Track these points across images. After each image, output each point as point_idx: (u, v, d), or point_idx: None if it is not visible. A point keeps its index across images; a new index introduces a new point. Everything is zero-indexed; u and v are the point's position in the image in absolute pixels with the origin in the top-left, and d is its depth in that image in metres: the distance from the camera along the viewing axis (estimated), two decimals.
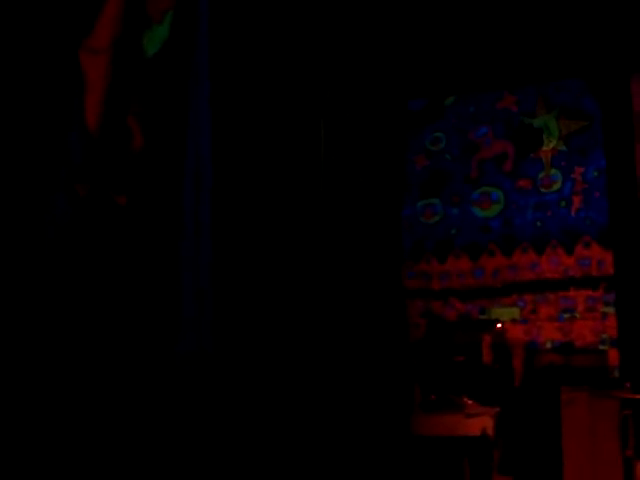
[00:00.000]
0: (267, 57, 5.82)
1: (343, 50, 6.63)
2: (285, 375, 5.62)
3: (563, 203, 8.07)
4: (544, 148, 8.17)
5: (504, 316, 7.98)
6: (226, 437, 5.07)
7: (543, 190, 8.14)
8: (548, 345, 7.90)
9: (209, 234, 5.11)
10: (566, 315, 7.94)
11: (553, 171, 8.13)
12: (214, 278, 5.14)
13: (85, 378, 4.36)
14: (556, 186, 8.11)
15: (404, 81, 7.74)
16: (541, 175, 8.16)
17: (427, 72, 7.90)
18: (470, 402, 6.54)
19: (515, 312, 8.06)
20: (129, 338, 4.58)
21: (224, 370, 5.15)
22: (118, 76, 4.84)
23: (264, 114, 5.78)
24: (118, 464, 4.36)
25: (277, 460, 5.39)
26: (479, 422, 6.32)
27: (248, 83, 5.65)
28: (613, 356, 7.66)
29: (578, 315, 7.90)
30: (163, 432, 4.60)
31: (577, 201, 8.03)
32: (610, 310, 7.81)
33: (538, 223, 8.12)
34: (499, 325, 7.56)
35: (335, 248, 6.29)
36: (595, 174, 8.00)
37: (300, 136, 6.11)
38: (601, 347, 7.73)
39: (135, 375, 4.55)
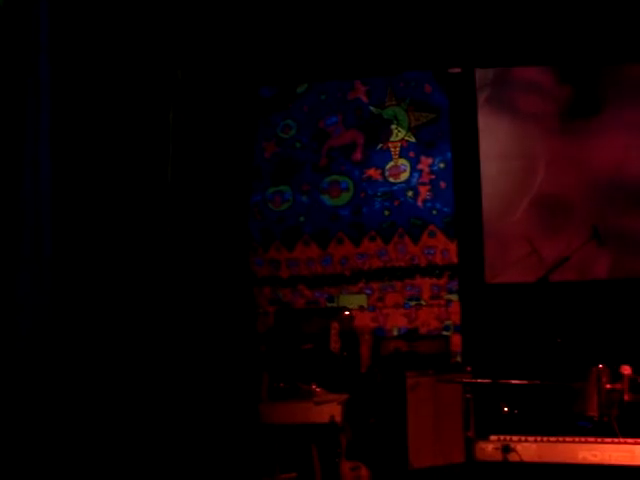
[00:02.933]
0: (114, 41, 5.62)
1: (194, 35, 6.49)
2: (132, 363, 5.47)
3: (410, 193, 8.24)
4: (393, 139, 8.31)
5: (352, 303, 8.06)
6: (68, 427, 4.91)
7: (391, 180, 8.27)
8: (394, 332, 8.06)
9: (50, 227, 4.93)
10: (412, 302, 8.12)
11: (401, 161, 8.28)
12: (55, 267, 4.98)
13: None
14: (404, 176, 8.26)
15: (255, 68, 7.66)
16: (389, 165, 8.29)
17: (279, 59, 7.86)
18: (318, 389, 6.56)
19: (363, 300, 8.17)
20: None
21: (68, 363, 4.99)
22: None
23: (110, 101, 5.59)
24: None
25: (120, 449, 5.25)
26: (327, 409, 6.35)
27: (92, 70, 5.44)
28: (456, 342, 7.92)
29: (423, 302, 8.09)
30: None
31: (424, 191, 8.21)
32: (454, 297, 8.06)
33: (386, 212, 8.25)
34: (347, 312, 7.63)
35: (182, 235, 6.17)
36: (442, 165, 8.21)
37: (148, 123, 5.94)
38: (445, 333, 7.96)
39: None
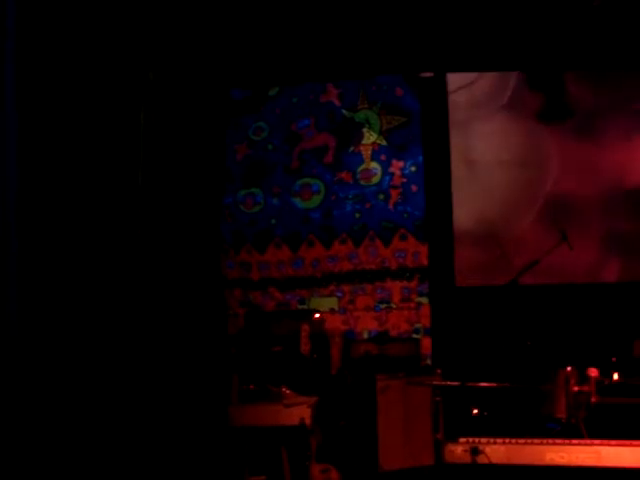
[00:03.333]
0: (84, 42, 5.57)
1: (165, 36, 6.46)
2: (98, 364, 5.43)
3: (382, 196, 8.27)
4: (365, 142, 8.34)
5: (323, 306, 8.08)
6: (35, 430, 4.84)
7: (363, 183, 8.30)
8: (365, 335, 8.09)
9: (15, 225, 4.87)
10: (382, 305, 8.15)
11: (373, 165, 8.31)
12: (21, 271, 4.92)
13: None
14: (375, 179, 8.30)
15: (227, 70, 7.65)
16: (361, 168, 8.32)
17: (251, 61, 7.86)
18: (288, 392, 6.55)
19: (333, 302, 8.18)
20: None
21: (31, 360, 4.92)
22: None
23: (79, 101, 5.54)
24: None
25: (84, 451, 5.20)
26: (297, 412, 6.34)
27: (60, 70, 5.38)
28: (426, 344, 7.96)
29: (394, 305, 8.13)
30: None
31: (395, 195, 8.25)
32: (424, 300, 8.10)
33: (357, 215, 8.27)
34: (317, 315, 7.64)
35: (153, 236, 6.13)
36: (413, 169, 8.25)
37: (119, 123, 5.89)
38: (415, 336, 8.00)
39: None
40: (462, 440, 6.11)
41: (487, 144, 8.19)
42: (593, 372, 6.63)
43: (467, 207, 8.12)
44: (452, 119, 8.21)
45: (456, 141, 8.18)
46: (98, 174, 5.68)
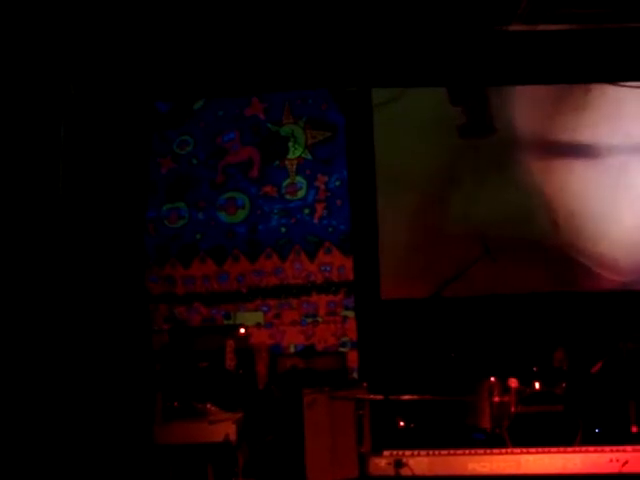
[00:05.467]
0: (4, 51, 5.48)
1: (88, 48, 6.38)
2: (19, 379, 5.31)
3: (307, 210, 8.28)
4: (290, 156, 8.35)
5: (249, 321, 8.03)
6: None
7: (288, 197, 8.30)
8: (292, 349, 8.07)
9: None
10: (309, 319, 8.15)
11: (298, 179, 8.33)
12: None
13: None
14: (300, 194, 8.31)
15: (151, 82, 7.57)
16: (286, 182, 8.32)
17: (175, 74, 7.79)
18: (212, 408, 6.50)
19: (259, 317, 8.14)
20: None
21: None
22: None
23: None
24: None
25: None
26: (222, 428, 6.30)
27: None
28: (353, 358, 7.99)
29: (320, 319, 8.13)
30: None
31: (320, 209, 8.27)
32: (350, 314, 8.13)
33: (282, 229, 8.27)
34: (242, 330, 7.59)
35: (75, 250, 6.03)
36: (338, 183, 8.29)
37: (39, 137, 5.79)
38: (342, 349, 8.02)
39: None
40: (386, 453, 6.17)
41: (411, 158, 8.29)
42: (513, 382, 6.78)
43: (392, 221, 8.21)
44: (376, 133, 8.29)
45: (380, 155, 8.27)
46: (18, 186, 5.58)
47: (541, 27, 7.18)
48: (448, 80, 8.09)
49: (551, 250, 8.07)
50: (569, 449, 6.20)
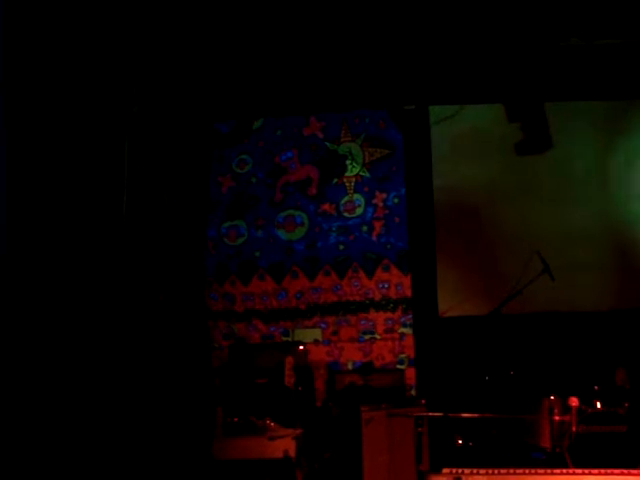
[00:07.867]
0: (70, 72, 5.62)
1: (151, 69, 6.52)
2: (84, 397, 5.41)
3: (365, 228, 8.33)
4: (348, 174, 8.41)
5: (307, 338, 8.09)
6: None
7: (346, 215, 8.36)
8: (349, 366, 8.09)
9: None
10: (366, 336, 8.17)
11: (356, 196, 8.38)
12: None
13: None
14: (358, 211, 8.36)
15: (211, 102, 7.72)
16: (344, 200, 8.38)
17: (235, 94, 7.93)
18: (272, 424, 6.54)
19: (317, 333, 8.19)
20: None
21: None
22: None
23: (65, 131, 5.57)
24: None
25: None
26: (281, 444, 6.33)
27: (46, 100, 5.42)
28: (410, 375, 7.97)
29: (378, 336, 8.14)
30: None
31: (378, 226, 8.31)
32: (407, 331, 8.12)
33: (340, 247, 8.32)
34: (301, 347, 7.64)
35: (138, 268, 6.15)
36: (396, 201, 8.32)
37: (103, 155, 5.93)
38: (399, 367, 8.01)
39: None
40: (445, 471, 6.08)
41: (469, 175, 8.26)
42: (574, 401, 6.65)
43: (451, 237, 8.19)
44: (435, 151, 8.30)
45: (439, 172, 8.27)
46: (83, 204, 5.70)
47: (599, 42, 7.14)
48: (505, 96, 8.07)
49: (612, 269, 7.97)
50: (633, 471, 6.06)
